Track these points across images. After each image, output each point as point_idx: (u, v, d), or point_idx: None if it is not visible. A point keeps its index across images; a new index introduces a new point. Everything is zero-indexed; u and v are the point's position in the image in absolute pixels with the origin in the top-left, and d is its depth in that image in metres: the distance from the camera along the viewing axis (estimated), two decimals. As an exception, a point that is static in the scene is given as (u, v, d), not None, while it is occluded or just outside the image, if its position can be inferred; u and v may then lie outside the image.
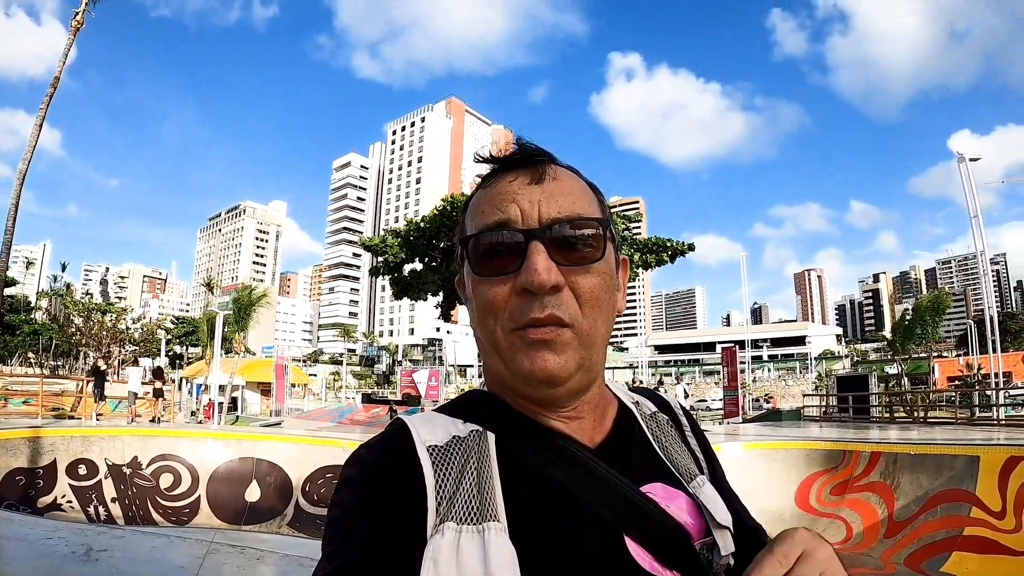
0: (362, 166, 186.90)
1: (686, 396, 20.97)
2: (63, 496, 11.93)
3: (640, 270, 20.60)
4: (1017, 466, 8.45)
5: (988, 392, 23.42)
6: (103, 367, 19.14)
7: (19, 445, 12.06)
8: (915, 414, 21.16)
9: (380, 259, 23.64)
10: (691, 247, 19.93)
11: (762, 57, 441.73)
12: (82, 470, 12.55)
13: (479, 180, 0.82)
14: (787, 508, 10.98)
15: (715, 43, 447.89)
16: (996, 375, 24.41)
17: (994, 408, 20.22)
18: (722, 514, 0.77)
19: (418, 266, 28.73)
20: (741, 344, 58.13)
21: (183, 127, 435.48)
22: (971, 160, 24.45)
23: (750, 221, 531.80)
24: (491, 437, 0.74)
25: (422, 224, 21.02)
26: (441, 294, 20.60)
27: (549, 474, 0.72)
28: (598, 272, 0.74)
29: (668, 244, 19.47)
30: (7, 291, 60.28)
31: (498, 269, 0.73)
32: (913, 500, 9.49)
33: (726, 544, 0.76)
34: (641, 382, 23.01)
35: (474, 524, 0.65)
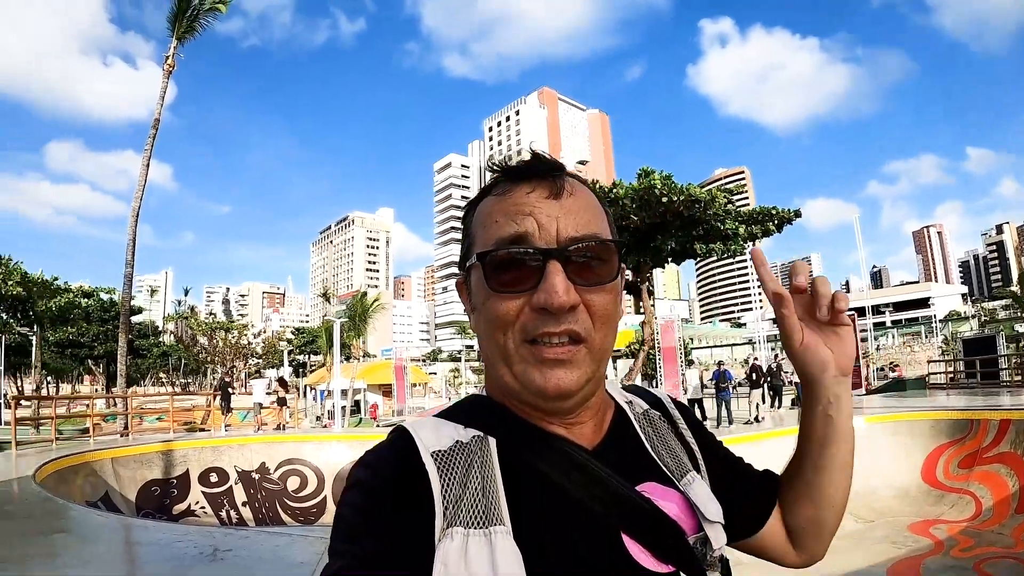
0: (463, 165, 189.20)
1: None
2: (196, 503, 12.67)
3: (748, 243, 19.81)
4: None
5: None
6: (228, 381, 20.23)
7: (153, 458, 12.86)
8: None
9: None
10: (798, 213, 19.07)
11: (859, 4, 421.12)
12: (213, 478, 13.31)
13: (489, 184, 0.82)
14: (913, 483, 10.55)
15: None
16: None
17: None
18: (712, 510, 0.79)
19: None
20: (861, 311, 55.47)
21: (284, 149, 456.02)
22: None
23: (863, 180, 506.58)
24: (492, 441, 0.75)
25: None
26: None
27: (549, 477, 0.73)
28: (610, 290, 0.75)
29: (773, 213, 18.70)
30: (135, 319, 65.18)
31: (513, 284, 0.73)
32: None
33: (717, 538, 0.79)
34: (756, 359, 22.14)
35: (481, 528, 0.66)
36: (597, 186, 16.49)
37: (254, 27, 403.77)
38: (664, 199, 15.97)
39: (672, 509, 0.77)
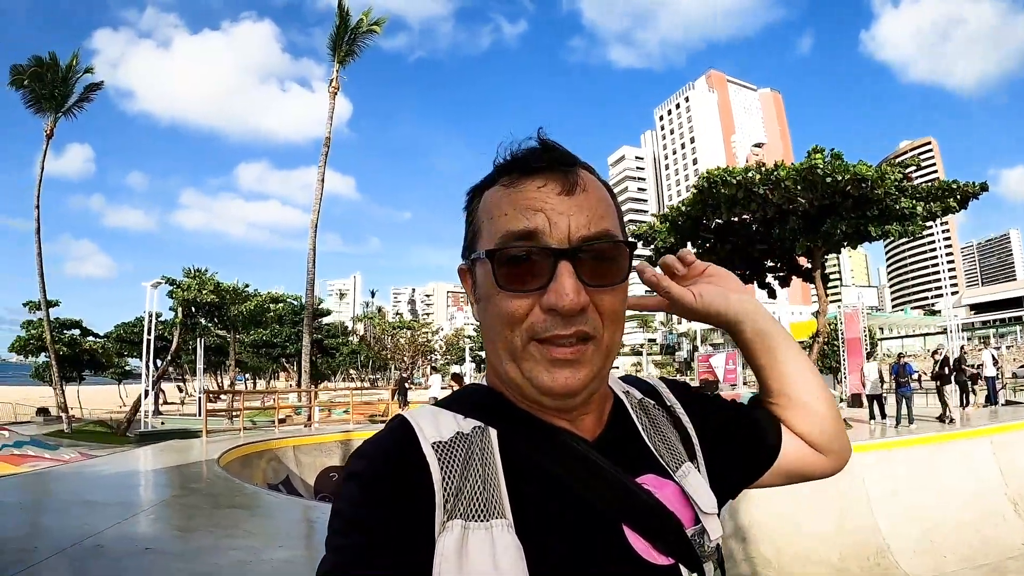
0: (637, 157, 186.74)
1: (995, 363, 17.99)
2: (370, 488, 13.71)
3: (929, 222, 18.07)
4: None
5: None
6: (405, 377, 21.68)
7: (332, 447, 13.79)
8: None
9: (650, 247, 23.77)
10: (984, 187, 17.06)
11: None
12: (388, 465, 14.33)
13: (495, 173, 0.80)
14: None
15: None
16: None
17: None
18: (706, 501, 0.80)
19: (690, 248, 27.17)
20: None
21: (456, 154, 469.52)
22: None
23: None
24: (493, 433, 0.75)
25: (682, 207, 20.73)
26: None
27: (550, 469, 0.73)
28: (620, 290, 0.75)
29: (955, 187, 16.84)
30: (326, 320, 70.57)
31: (522, 283, 0.72)
32: None
33: (713, 529, 0.79)
34: (942, 348, 20.03)
35: (481, 521, 0.66)
36: (763, 168, 15.84)
37: (419, 40, 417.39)
38: (828, 179, 15.05)
39: (670, 501, 0.77)
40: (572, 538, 0.69)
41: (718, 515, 0.81)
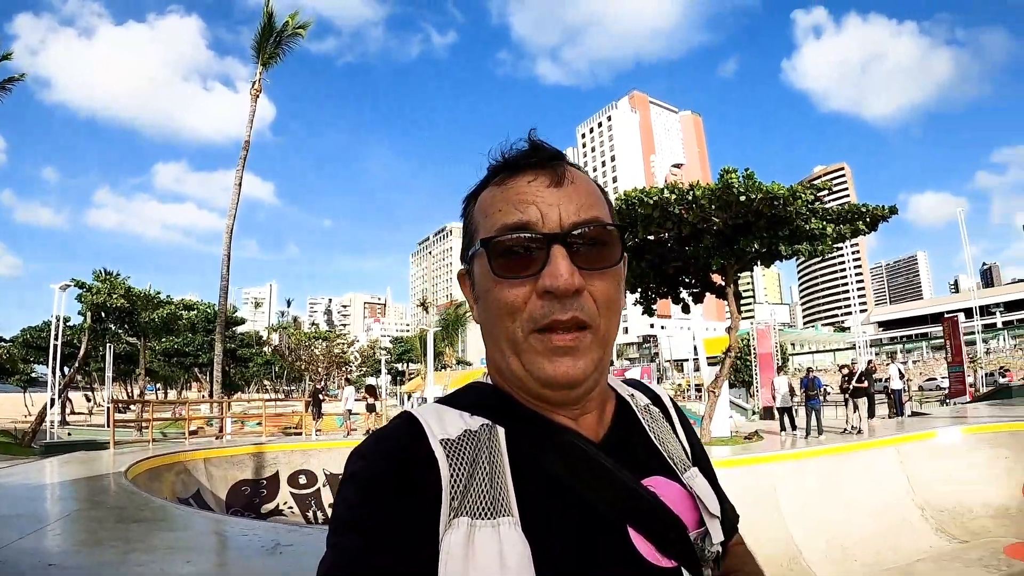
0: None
1: (901, 377, 19.06)
2: (285, 503, 13.22)
3: (838, 244, 18.94)
4: None
5: None
6: (320, 389, 21.20)
7: (244, 460, 13.47)
8: None
9: None
10: (893, 210, 17.93)
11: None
12: (302, 480, 13.83)
13: (488, 175, 0.83)
14: (1014, 501, 10.05)
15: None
16: None
17: None
18: (713, 504, 0.81)
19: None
20: (969, 312, 52.00)
21: (383, 162, 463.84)
22: None
23: (970, 171, 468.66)
24: (501, 431, 0.75)
25: None
26: (639, 291, 20.51)
27: (556, 469, 0.73)
28: (613, 275, 0.76)
29: (864, 210, 17.66)
30: (240, 329, 68.68)
31: (517, 271, 0.73)
32: None
33: (716, 533, 0.79)
34: (854, 362, 21.09)
35: (488, 518, 0.66)
36: (678, 188, 16.22)
37: (348, 45, 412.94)
38: (742, 198, 15.56)
39: (675, 503, 0.78)
40: (576, 538, 0.69)
41: (720, 520, 0.81)
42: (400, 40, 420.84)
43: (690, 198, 15.80)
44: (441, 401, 0.81)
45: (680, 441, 0.90)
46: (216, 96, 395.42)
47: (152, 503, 7.94)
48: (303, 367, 55.66)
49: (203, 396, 50.09)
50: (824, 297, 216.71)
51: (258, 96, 24.38)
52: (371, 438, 0.74)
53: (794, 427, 16.24)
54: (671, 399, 0.98)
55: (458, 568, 0.62)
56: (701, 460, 0.90)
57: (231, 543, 6.02)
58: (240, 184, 23.36)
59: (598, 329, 0.74)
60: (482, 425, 0.75)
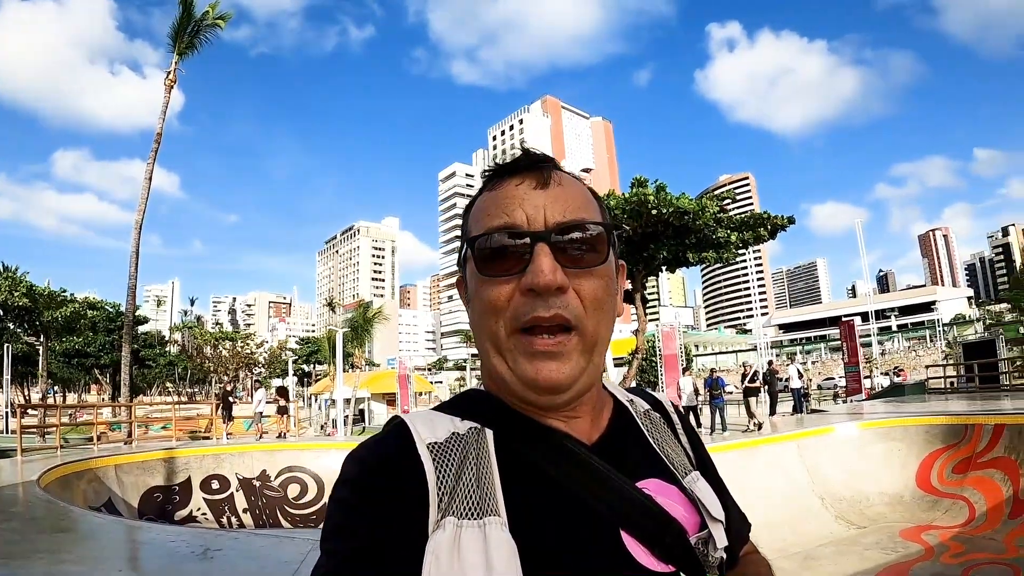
0: (467, 174, 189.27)
1: (800, 376, 20.13)
2: (198, 509, 12.88)
3: (741, 250, 19.92)
4: None
5: None
6: (229, 391, 20.58)
7: (156, 465, 13.06)
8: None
9: None
10: (791, 220, 19.00)
11: (865, 6, 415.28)
12: (215, 485, 13.54)
13: (484, 183, 0.83)
14: (907, 490, 10.56)
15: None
16: None
17: None
18: (716, 508, 0.80)
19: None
20: (865, 316, 55.29)
21: (292, 158, 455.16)
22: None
23: (870, 183, 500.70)
24: (489, 434, 0.75)
25: None
26: None
27: (547, 470, 0.73)
28: (601, 275, 0.76)
29: (765, 219, 18.69)
30: (141, 328, 65.57)
31: (503, 270, 0.74)
32: None
33: (720, 538, 0.77)
34: (750, 365, 22.08)
35: (474, 518, 0.66)
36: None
37: (263, 35, 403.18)
38: (654, 211, 16.16)
39: (674, 507, 0.76)
40: (568, 541, 0.68)
41: (724, 524, 0.80)
42: (317, 32, 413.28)
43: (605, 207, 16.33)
44: (436, 407, 0.81)
45: (683, 446, 0.90)
46: (123, 81, 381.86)
47: (72, 512, 7.68)
48: (211, 368, 53.68)
49: (103, 399, 47.64)
50: (727, 300, 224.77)
51: (172, 87, 23.60)
52: (361, 445, 0.75)
53: (699, 425, 16.78)
54: (673, 405, 0.97)
55: (444, 568, 0.62)
56: (706, 466, 0.89)
57: (160, 550, 5.89)
58: (151, 178, 22.60)
59: (584, 331, 0.73)
60: (470, 428, 0.75)
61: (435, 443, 0.72)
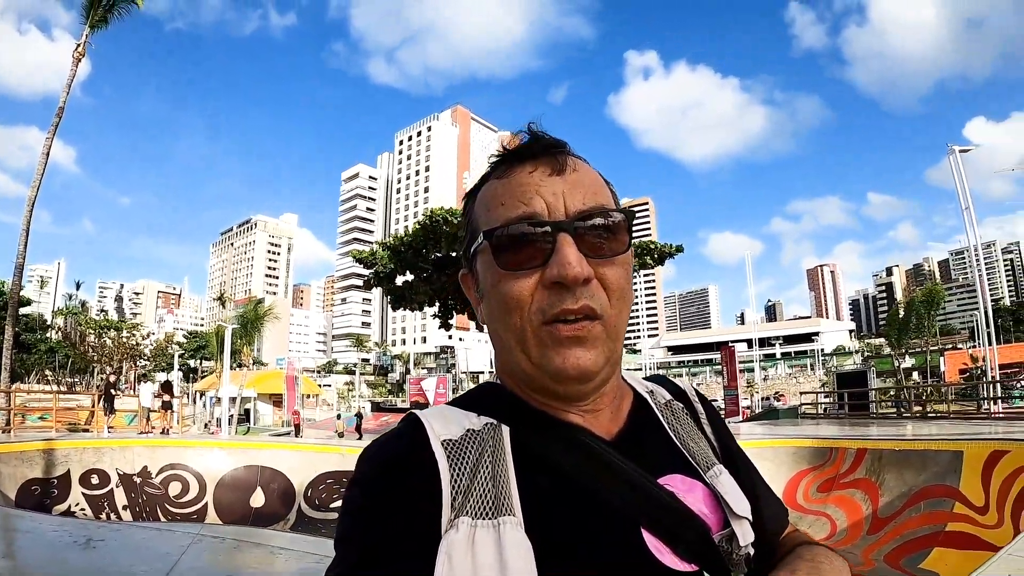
0: (371, 176, 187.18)
1: None
2: (76, 504, 12.51)
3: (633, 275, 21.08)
4: (1000, 460, 8.30)
5: (987, 384, 23.29)
6: (113, 382, 19.82)
7: (34, 457, 12.66)
8: (922, 408, 21.17)
9: (371, 271, 24.34)
10: (679, 249, 20.13)
11: (781, 51, 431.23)
12: (95, 480, 13.17)
13: (489, 170, 0.81)
14: None
15: (734, 38, 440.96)
16: (992, 368, 23.88)
17: (991, 401, 19.97)
18: (740, 504, 0.76)
19: (410, 277, 28.98)
20: (751, 343, 58.20)
21: (195, 141, 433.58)
22: (961, 152, 24.65)
23: (767, 217, 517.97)
24: (505, 430, 0.73)
25: (406, 238, 21.69)
26: (437, 304, 21.11)
27: (564, 467, 0.71)
28: (622, 263, 0.74)
29: (652, 247, 19.78)
30: (22, 310, 61.53)
31: (524, 262, 0.71)
32: (897, 496, 9.43)
33: (744, 534, 0.74)
34: None
35: (489, 518, 0.64)
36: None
37: (181, 9, 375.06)
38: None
39: (697, 503, 0.73)
40: (585, 540, 0.66)
41: (750, 520, 0.76)
42: (238, 13, 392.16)
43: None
44: (450, 402, 0.80)
45: (708, 437, 0.86)
46: (29, 41, 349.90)
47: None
48: (95, 358, 50.97)
49: (-27, 384, 44.53)
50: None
51: (80, 60, 22.66)
52: (374, 442, 0.74)
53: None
54: (698, 393, 0.95)
55: (457, 569, 0.61)
56: (733, 458, 0.85)
57: (43, 539, 5.89)
58: (48, 153, 21.62)
59: (608, 320, 0.71)
60: (486, 424, 0.73)
61: (450, 440, 0.70)
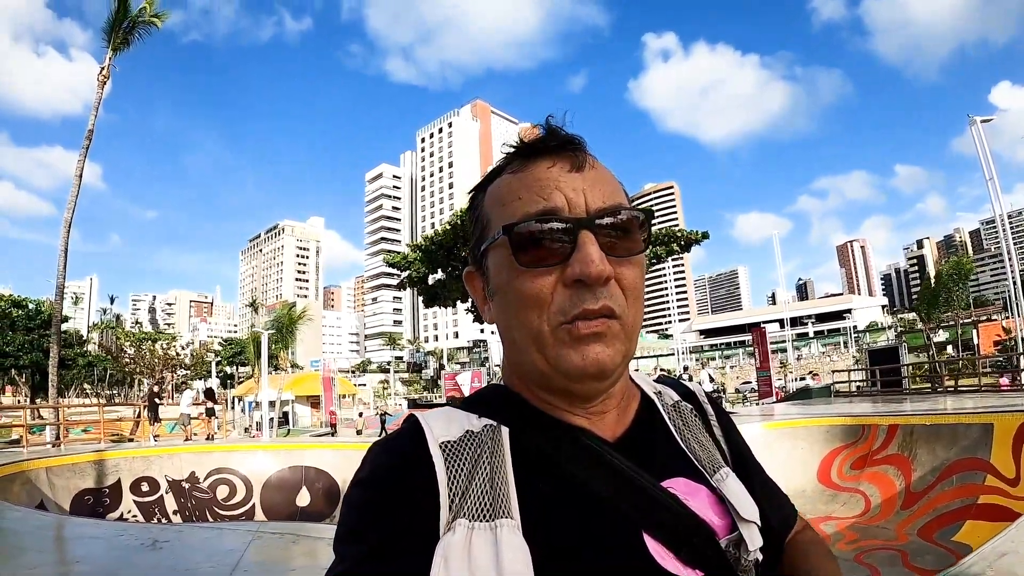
0: (394, 176, 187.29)
1: (711, 381, 20.95)
2: (128, 511, 12.94)
3: (655, 262, 21.00)
4: (1030, 431, 8.27)
5: (1020, 356, 22.94)
6: (156, 392, 20.32)
7: (86, 468, 13.05)
8: (954, 382, 20.96)
9: (405, 274, 24.62)
10: (705, 235, 20.05)
11: (801, 25, 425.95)
12: (144, 487, 13.60)
13: (500, 164, 0.79)
14: (809, 484, 11.15)
15: (753, 14, 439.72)
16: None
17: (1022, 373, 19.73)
18: (747, 508, 0.74)
19: (442, 276, 29.27)
20: (784, 322, 57.70)
21: (217, 152, 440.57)
22: (983, 122, 24.25)
23: (794, 195, 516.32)
24: (505, 431, 0.72)
25: (436, 237, 21.97)
26: (470, 300, 21.67)
27: (564, 469, 0.69)
28: (639, 263, 0.72)
29: (679, 234, 19.73)
30: (62, 327, 62.69)
31: (543, 259, 0.68)
32: (930, 471, 9.47)
33: (752, 539, 0.72)
34: (670, 371, 22.78)
35: (486, 521, 0.63)
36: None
37: (196, 21, 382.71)
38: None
39: (702, 508, 0.72)
40: (585, 544, 0.65)
41: (758, 524, 0.74)
42: (253, 21, 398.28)
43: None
44: (455, 404, 0.79)
45: (716, 440, 0.85)
46: (48, 63, 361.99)
47: (12, 511, 7.82)
48: (134, 370, 52.04)
49: (19, 401, 45.63)
50: (649, 305, 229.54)
51: (105, 82, 23.15)
52: (375, 444, 0.73)
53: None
54: (708, 395, 0.93)
55: (453, 572, 0.60)
56: (742, 460, 0.85)
57: (113, 543, 6.17)
58: (80, 175, 22.13)
59: (626, 320, 0.69)
60: (486, 426, 0.72)
61: (448, 442, 0.70)
